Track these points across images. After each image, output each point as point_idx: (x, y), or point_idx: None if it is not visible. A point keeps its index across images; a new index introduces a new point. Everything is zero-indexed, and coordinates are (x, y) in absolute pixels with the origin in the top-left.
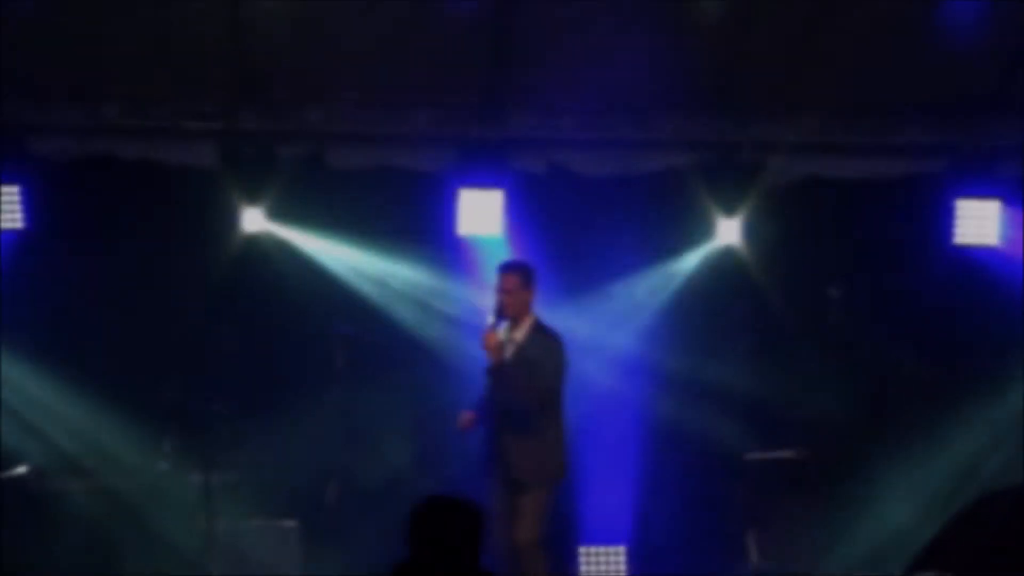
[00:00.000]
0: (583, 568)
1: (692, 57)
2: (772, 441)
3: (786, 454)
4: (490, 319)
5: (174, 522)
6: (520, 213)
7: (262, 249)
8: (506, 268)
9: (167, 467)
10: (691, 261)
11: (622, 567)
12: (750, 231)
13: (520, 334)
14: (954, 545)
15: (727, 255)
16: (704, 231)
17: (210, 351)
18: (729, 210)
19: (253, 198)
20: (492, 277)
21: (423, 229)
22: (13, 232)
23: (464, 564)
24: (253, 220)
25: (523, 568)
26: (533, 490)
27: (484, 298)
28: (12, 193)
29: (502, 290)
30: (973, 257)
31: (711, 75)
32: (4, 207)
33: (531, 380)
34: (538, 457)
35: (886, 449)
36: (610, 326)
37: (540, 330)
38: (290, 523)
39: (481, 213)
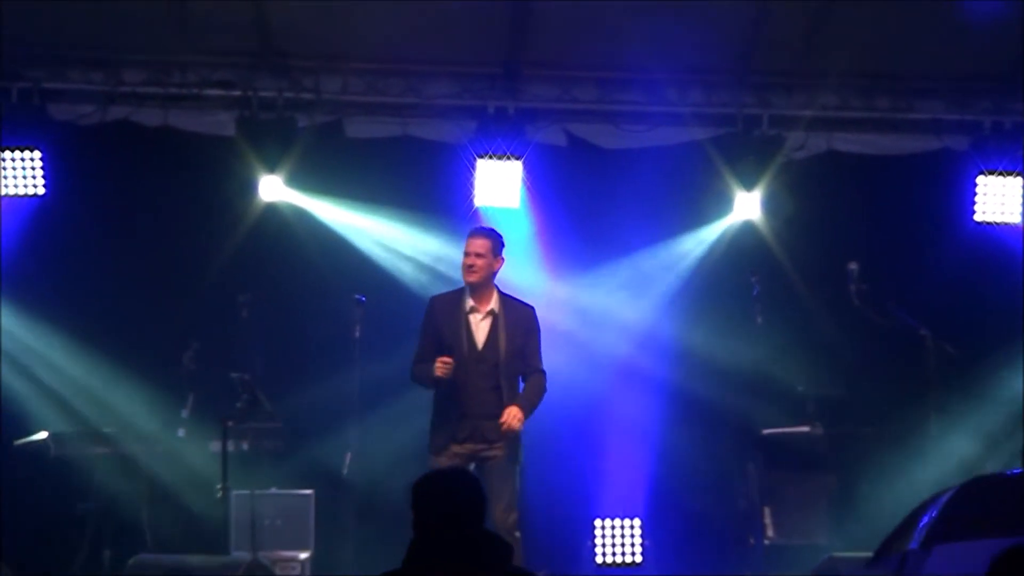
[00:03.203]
0: (599, 540)
1: (711, 29)
2: (789, 416)
3: (802, 430)
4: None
5: (191, 490)
6: (539, 185)
7: (280, 217)
8: (478, 231)
9: (184, 435)
10: (710, 235)
11: (637, 540)
12: (769, 205)
13: (492, 304)
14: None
15: (746, 229)
16: (723, 205)
17: (228, 319)
18: (748, 184)
19: (271, 166)
20: (507, 248)
21: (440, 200)
22: (35, 198)
23: (469, 530)
24: (271, 188)
25: None
26: (513, 467)
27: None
28: (33, 159)
29: (472, 253)
30: (994, 234)
31: (730, 48)
32: (25, 173)
33: (524, 347)
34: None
35: (904, 426)
36: (628, 299)
37: (510, 299)
38: (306, 492)
39: (499, 184)
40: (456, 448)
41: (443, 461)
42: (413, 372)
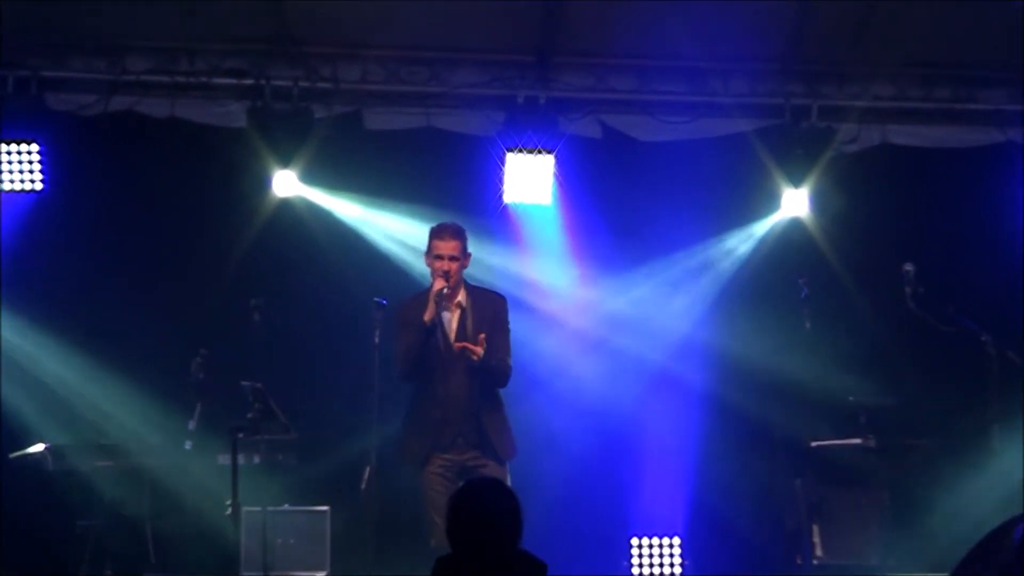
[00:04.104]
0: (636, 561)
1: (757, 14)
2: (839, 428)
3: (854, 442)
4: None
5: (198, 506)
6: (571, 180)
7: (294, 215)
8: (449, 231)
9: (192, 447)
10: (754, 234)
11: (677, 560)
12: (818, 202)
13: (459, 297)
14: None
15: (793, 228)
16: (769, 202)
17: (239, 324)
18: (796, 179)
19: (285, 160)
20: (537, 247)
21: (466, 196)
22: (32, 194)
23: (507, 548)
24: (285, 183)
25: None
26: (505, 469)
27: (530, 270)
28: (31, 152)
29: (445, 256)
30: None
31: (778, 34)
32: (22, 167)
33: (498, 341)
34: (509, 432)
35: (963, 438)
36: (665, 304)
37: (477, 290)
38: (321, 508)
39: (529, 179)
40: (440, 458)
41: (431, 471)
42: (399, 358)
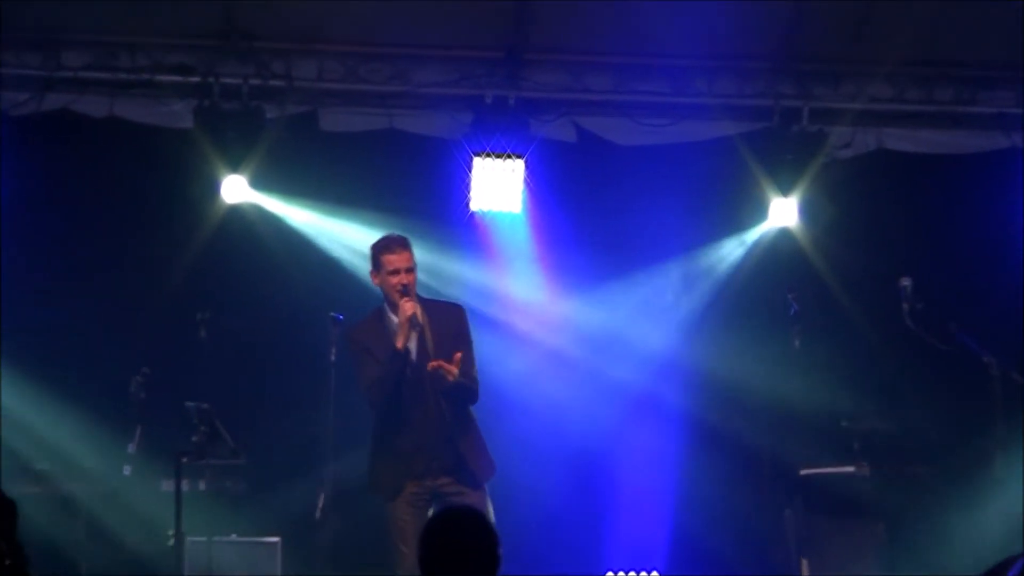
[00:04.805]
0: None
1: (745, 10)
2: (831, 454)
3: (847, 470)
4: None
5: (138, 536)
6: (543, 187)
7: (245, 222)
8: (401, 242)
9: (132, 472)
10: (740, 246)
11: None
12: (809, 211)
13: (417, 312)
14: None
15: (782, 239)
16: (756, 211)
17: (184, 340)
18: (785, 187)
19: (235, 164)
20: (506, 259)
21: (430, 203)
22: None
23: None
24: (235, 189)
25: None
26: (481, 495)
27: (498, 283)
28: None
29: (402, 269)
30: None
31: (767, 31)
32: None
33: (464, 356)
34: (485, 450)
35: (964, 466)
36: (644, 320)
37: (432, 303)
38: (272, 539)
39: (498, 186)
40: (412, 484)
41: (401, 504)
42: (373, 388)
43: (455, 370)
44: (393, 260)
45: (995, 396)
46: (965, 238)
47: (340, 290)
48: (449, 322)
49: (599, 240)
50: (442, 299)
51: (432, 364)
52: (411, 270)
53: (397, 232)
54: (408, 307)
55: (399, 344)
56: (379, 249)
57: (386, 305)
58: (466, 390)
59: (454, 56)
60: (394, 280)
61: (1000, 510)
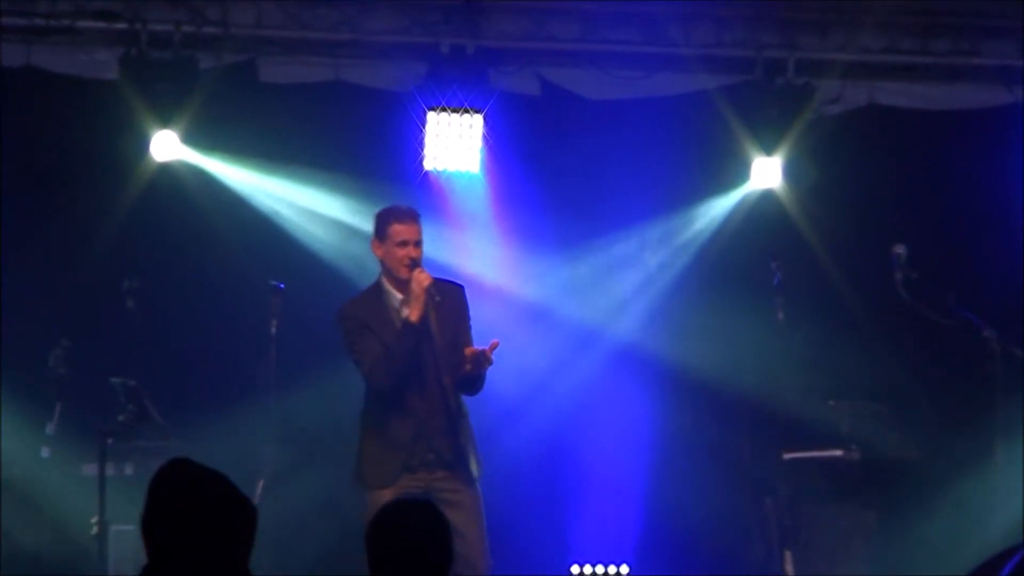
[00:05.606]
0: None
1: None
2: (817, 437)
3: (834, 454)
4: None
5: (57, 524)
6: (504, 144)
7: (176, 182)
8: (412, 215)
9: (51, 454)
10: (719, 209)
11: None
12: (794, 172)
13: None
14: None
15: (765, 202)
16: (736, 171)
17: (109, 310)
18: (769, 145)
19: (166, 118)
20: (462, 222)
21: (381, 161)
22: None
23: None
24: (165, 145)
25: None
26: (476, 494)
27: (452, 250)
28: None
29: (411, 242)
30: None
31: None
32: None
33: (457, 336)
34: (475, 442)
35: (962, 450)
36: (611, 291)
37: (437, 280)
38: None
39: (455, 143)
40: (407, 480)
41: (391, 496)
42: (378, 367)
43: (491, 358)
44: (402, 231)
45: (995, 374)
46: (964, 202)
47: (282, 256)
48: (453, 302)
49: (563, 202)
50: (444, 277)
51: (470, 350)
52: (419, 244)
53: (344, 192)
54: (424, 278)
55: (413, 316)
56: (387, 217)
57: (384, 279)
58: (481, 382)
59: (406, 1)
60: (401, 252)
61: (1000, 497)
